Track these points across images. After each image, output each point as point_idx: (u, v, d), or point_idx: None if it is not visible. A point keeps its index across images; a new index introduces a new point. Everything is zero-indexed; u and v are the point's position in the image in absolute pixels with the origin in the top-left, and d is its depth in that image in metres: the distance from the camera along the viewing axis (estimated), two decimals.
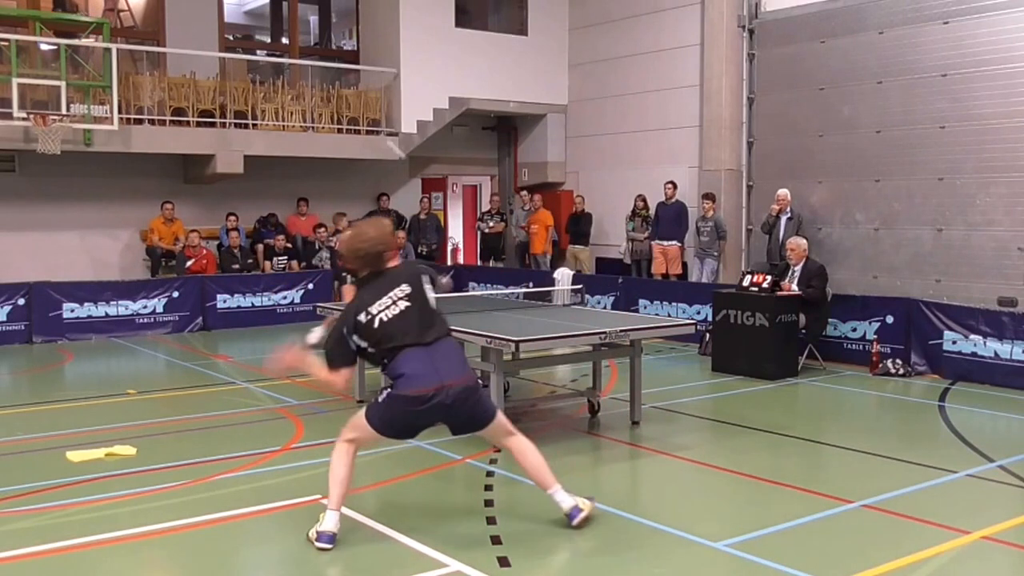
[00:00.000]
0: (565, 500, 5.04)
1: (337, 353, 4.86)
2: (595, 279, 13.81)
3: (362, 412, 4.92)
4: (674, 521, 5.19)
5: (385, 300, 4.82)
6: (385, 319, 4.78)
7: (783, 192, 12.27)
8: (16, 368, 10.64)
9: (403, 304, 4.83)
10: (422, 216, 16.29)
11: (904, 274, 11.79)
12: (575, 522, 5.01)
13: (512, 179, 17.85)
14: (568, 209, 16.32)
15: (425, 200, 16.43)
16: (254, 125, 14.57)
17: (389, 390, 4.80)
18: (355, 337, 4.82)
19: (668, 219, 14.12)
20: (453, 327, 7.00)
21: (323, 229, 15.03)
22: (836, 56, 12.56)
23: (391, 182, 16.68)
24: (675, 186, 14.16)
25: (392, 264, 5.03)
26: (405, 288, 4.88)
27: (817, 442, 7.27)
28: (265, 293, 13.64)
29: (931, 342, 9.87)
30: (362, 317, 4.80)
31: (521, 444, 5.09)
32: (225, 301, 13.27)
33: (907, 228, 11.86)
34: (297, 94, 15.24)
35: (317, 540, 4.83)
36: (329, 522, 4.85)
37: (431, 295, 4.97)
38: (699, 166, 14.38)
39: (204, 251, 14.14)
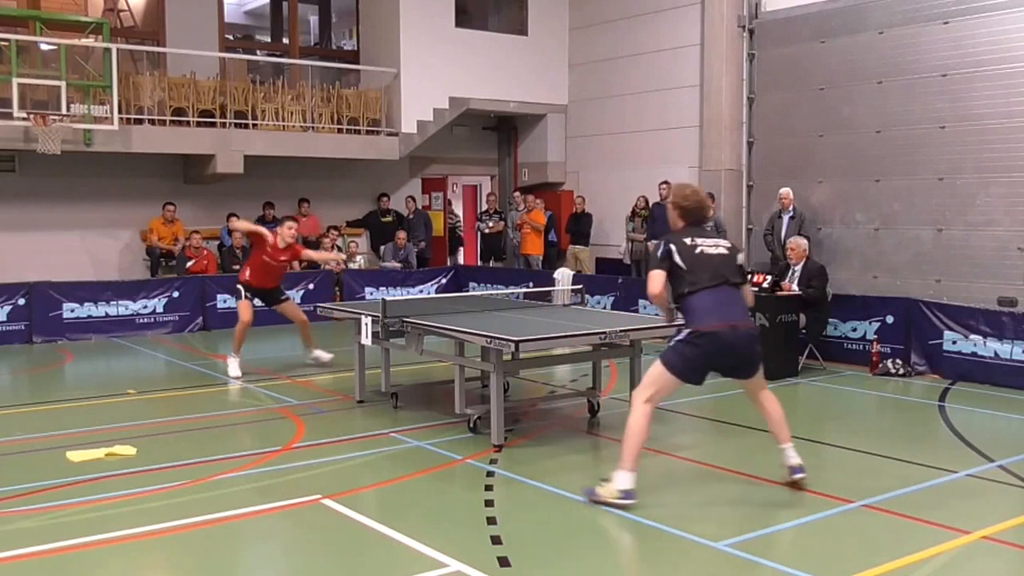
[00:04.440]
0: (793, 458, 5.71)
1: (654, 260, 5.60)
2: (595, 279, 13.81)
3: (656, 364, 5.47)
4: (674, 521, 5.18)
5: (708, 241, 5.60)
6: (705, 252, 5.50)
7: (786, 191, 12.28)
8: (16, 368, 10.64)
9: (722, 250, 5.57)
10: (410, 215, 16.29)
11: (904, 274, 11.79)
12: (795, 477, 5.68)
13: (512, 179, 17.86)
14: (568, 209, 16.33)
15: (411, 200, 16.42)
16: (254, 125, 14.57)
17: (686, 330, 5.40)
18: (673, 249, 5.49)
19: (665, 219, 14.07)
20: (452, 327, 7.06)
21: (335, 232, 15.07)
22: (836, 56, 12.56)
23: (391, 182, 16.69)
24: (669, 186, 14.15)
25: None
26: (726, 243, 5.68)
27: (817, 442, 7.26)
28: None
29: (931, 342, 9.87)
30: (687, 240, 5.54)
31: (771, 398, 5.80)
32: (225, 301, 13.24)
33: (907, 228, 11.86)
34: (297, 94, 15.24)
35: (621, 497, 5.25)
36: (627, 480, 5.28)
37: (740, 265, 5.66)
38: (699, 166, 14.38)
39: (205, 251, 14.15)
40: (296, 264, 14.58)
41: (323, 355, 10.21)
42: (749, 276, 5.85)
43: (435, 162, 17.37)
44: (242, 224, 10.77)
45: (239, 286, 9.89)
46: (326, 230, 15.23)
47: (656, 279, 5.51)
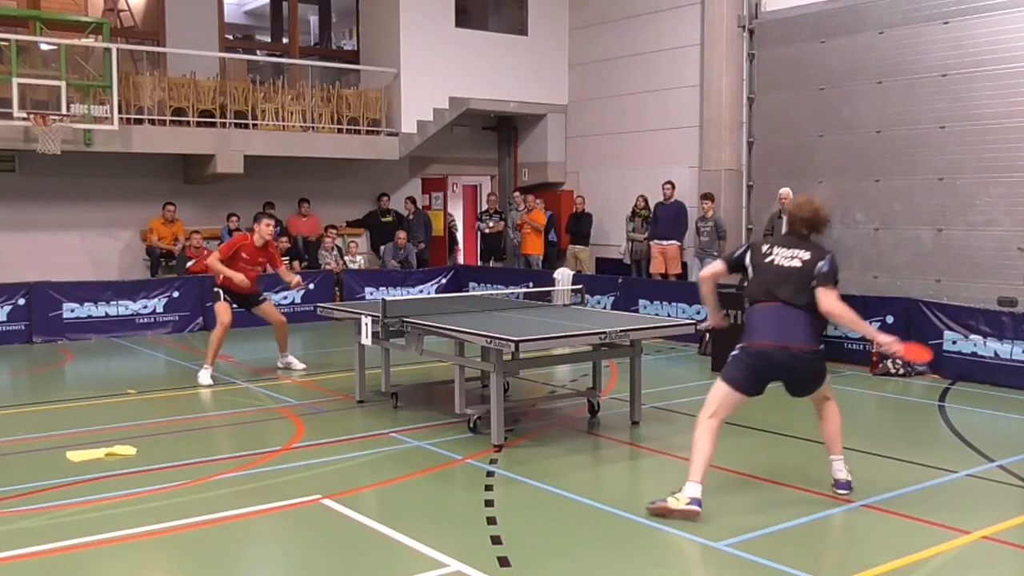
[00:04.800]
0: (841, 471, 5.65)
1: (729, 254, 5.68)
2: (595, 279, 13.81)
3: (717, 381, 5.41)
4: (674, 521, 5.18)
5: (787, 251, 5.39)
6: (777, 263, 5.35)
7: (786, 191, 12.26)
8: (16, 368, 10.63)
9: (796, 263, 5.33)
10: (409, 216, 16.30)
11: (904, 274, 11.79)
12: (841, 491, 5.62)
13: (512, 179, 17.86)
14: (568, 209, 16.33)
15: (410, 201, 16.42)
16: (254, 125, 14.57)
17: (740, 344, 5.37)
18: (748, 254, 5.48)
19: (666, 219, 14.12)
20: (452, 327, 7.06)
21: (333, 230, 15.07)
22: (836, 56, 12.56)
23: (391, 182, 16.69)
24: (673, 186, 14.16)
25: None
26: (805, 255, 5.35)
27: (817, 442, 7.23)
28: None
29: (931, 342, 9.85)
30: (766, 247, 5.44)
31: (832, 410, 5.70)
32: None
33: (907, 228, 11.86)
34: (297, 94, 15.24)
35: (689, 504, 5.14)
36: (695, 490, 5.17)
37: (819, 274, 5.30)
38: (699, 166, 14.39)
39: (205, 251, 14.14)
40: (297, 264, 14.67)
41: (296, 363, 10.13)
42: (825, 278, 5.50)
43: (435, 162, 17.37)
44: (214, 263, 9.71)
45: (217, 289, 9.63)
46: (324, 229, 15.24)
47: (712, 265, 5.63)
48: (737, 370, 5.33)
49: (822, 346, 5.44)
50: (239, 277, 9.34)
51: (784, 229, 5.62)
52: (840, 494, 5.57)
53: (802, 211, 5.45)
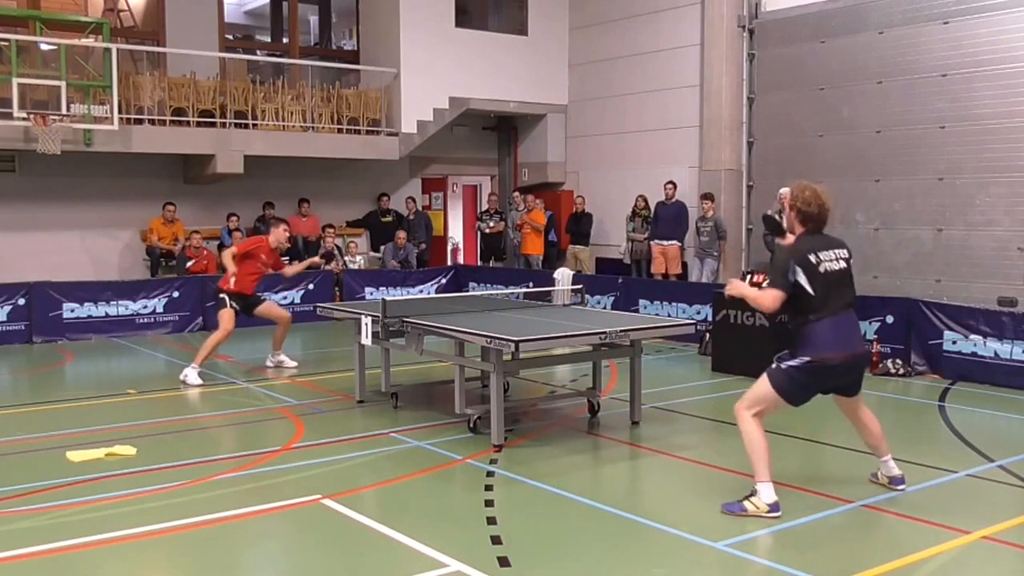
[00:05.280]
0: (895, 468, 5.71)
1: (777, 277, 5.27)
2: (595, 279, 13.81)
3: (764, 383, 5.30)
4: (674, 521, 5.19)
5: (830, 253, 5.28)
6: (828, 269, 5.23)
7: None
8: (16, 368, 10.63)
9: (842, 264, 5.32)
10: (410, 216, 16.30)
11: (904, 274, 11.79)
12: (898, 487, 5.68)
13: (512, 179, 17.86)
14: (568, 209, 16.33)
15: (411, 200, 16.44)
16: (254, 125, 14.57)
17: (803, 357, 5.20)
18: (799, 271, 5.18)
19: (667, 219, 14.12)
20: (452, 327, 7.06)
21: (331, 229, 15.09)
22: (836, 56, 12.57)
23: (391, 182, 16.70)
24: (675, 186, 14.17)
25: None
26: (845, 252, 5.39)
27: (817, 442, 7.26)
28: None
29: (931, 342, 9.87)
30: (812, 258, 5.22)
31: (870, 414, 5.69)
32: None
33: (907, 228, 11.86)
34: (297, 94, 15.24)
35: (770, 511, 5.15)
36: (770, 492, 5.19)
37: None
38: (699, 166, 14.39)
39: (205, 251, 14.15)
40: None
41: (288, 361, 10.18)
42: (748, 275, 5.59)
43: (435, 162, 17.37)
44: (227, 259, 9.93)
45: (223, 295, 9.66)
46: (322, 228, 15.24)
47: (774, 300, 5.21)
48: (796, 385, 5.26)
49: None
50: (231, 279, 9.60)
51: (801, 228, 5.36)
52: (898, 489, 5.66)
53: (811, 207, 5.32)
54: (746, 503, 5.23)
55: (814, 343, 5.19)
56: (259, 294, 10.19)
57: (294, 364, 10.20)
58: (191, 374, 9.33)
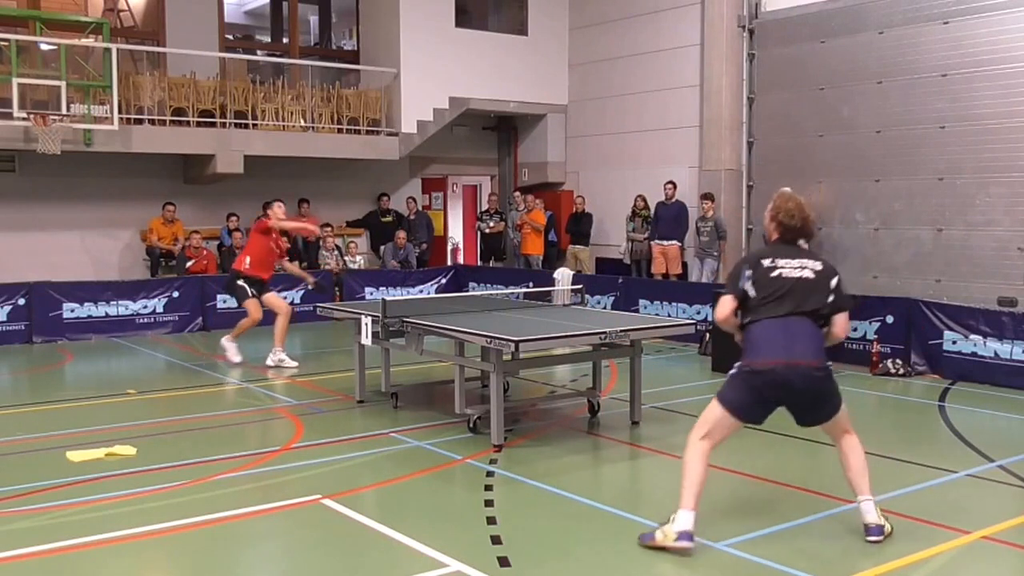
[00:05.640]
0: (870, 513, 4.93)
1: (728, 283, 5.01)
2: (595, 279, 13.81)
3: (712, 400, 4.92)
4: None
5: (794, 262, 4.90)
6: (784, 276, 4.85)
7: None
8: (16, 368, 10.63)
9: (808, 274, 4.87)
10: (411, 216, 16.31)
11: (904, 274, 11.79)
12: (870, 538, 4.87)
13: (512, 179, 17.86)
14: (568, 209, 16.33)
15: (412, 201, 16.44)
16: (254, 125, 14.57)
17: (737, 364, 4.87)
18: (749, 274, 4.88)
19: (667, 219, 14.12)
20: (452, 327, 7.06)
21: (328, 228, 15.10)
22: (836, 56, 12.57)
23: (391, 182, 16.69)
24: (675, 186, 14.16)
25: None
26: (819, 265, 4.93)
27: (817, 442, 7.25)
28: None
29: (931, 342, 9.87)
30: (767, 261, 4.90)
31: (853, 444, 5.07)
32: (225, 301, 13.22)
33: (907, 228, 11.86)
34: (297, 94, 15.24)
35: (677, 540, 4.71)
36: (687, 520, 4.73)
37: (834, 290, 4.92)
38: (699, 166, 14.39)
39: (205, 252, 14.15)
40: (296, 265, 14.67)
41: (288, 361, 10.26)
42: (845, 301, 5.10)
43: (435, 162, 17.37)
44: (289, 224, 10.69)
45: (241, 282, 10.11)
46: (320, 227, 15.22)
47: (724, 306, 4.92)
48: (738, 392, 4.83)
49: (830, 363, 4.89)
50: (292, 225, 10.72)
51: (775, 237, 5.07)
52: (870, 540, 4.89)
53: (794, 220, 4.99)
54: (658, 531, 4.81)
55: (749, 347, 4.85)
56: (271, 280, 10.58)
57: (294, 364, 10.23)
58: (231, 349, 10.28)
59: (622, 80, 15.92)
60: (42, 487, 5.87)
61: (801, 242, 5.05)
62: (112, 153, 13.38)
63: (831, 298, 4.90)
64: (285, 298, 13.50)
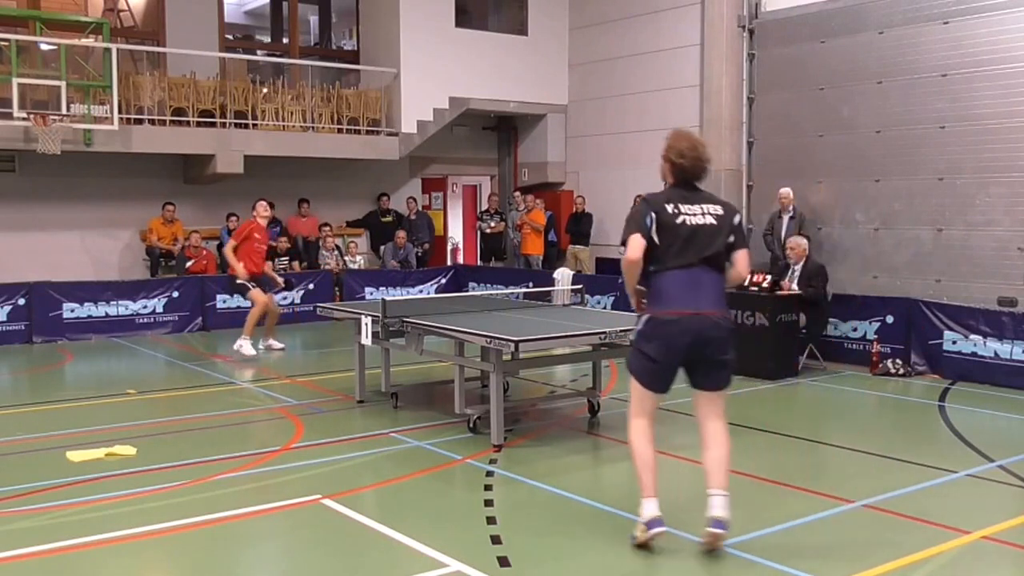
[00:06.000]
0: (718, 508, 4.68)
1: (632, 224, 4.71)
2: (595, 279, 13.81)
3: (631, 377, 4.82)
4: (674, 521, 5.17)
5: (696, 208, 4.77)
6: (688, 223, 4.70)
7: (786, 191, 12.27)
8: (16, 368, 10.63)
9: (710, 220, 4.75)
10: (412, 216, 16.31)
11: (904, 274, 11.78)
12: (711, 529, 4.66)
13: (512, 179, 17.85)
14: (568, 209, 16.33)
15: (412, 201, 16.44)
16: (254, 125, 14.57)
17: (643, 317, 4.74)
18: (654, 217, 4.68)
19: None
20: (452, 327, 7.06)
21: (328, 228, 15.11)
22: (836, 56, 12.56)
23: (391, 182, 16.69)
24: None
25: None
26: (716, 209, 4.80)
27: (817, 442, 7.27)
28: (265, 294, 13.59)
29: (931, 342, 9.87)
30: (670, 207, 4.73)
31: (724, 433, 4.91)
32: (225, 301, 13.26)
33: (907, 228, 11.86)
34: (297, 94, 15.24)
35: (649, 530, 4.68)
36: (651, 509, 4.70)
37: (734, 229, 4.84)
38: None
39: (205, 251, 14.15)
40: (296, 265, 14.69)
41: (275, 343, 11.22)
42: (749, 275, 4.87)
43: (435, 162, 17.37)
44: (229, 254, 11.15)
45: (242, 282, 10.87)
46: (319, 227, 15.24)
47: (635, 245, 4.64)
48: (639, 359, 4.77)
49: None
50: (240, 268, 10.81)
51: (671, 180, 4.90)
52: (713, 532, 4.66)
53: (684, 159, 4.83)
54: (637, 531, 4.80)
55: (655, 298, 4.70)
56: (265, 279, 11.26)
57: (281, 346, 11.23)
58: (245, 345, 10.73)
59: (622, 80, 15.91)
60: (42, 487, 5.87)
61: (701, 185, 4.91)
62: (112, 153, 13.37)
63: (732, 238, 4.81)
64: (285, 298, 13.62)
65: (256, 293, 10.89)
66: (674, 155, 4.88)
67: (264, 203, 11.19)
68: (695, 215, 4.74)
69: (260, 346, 11.13)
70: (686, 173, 4.86)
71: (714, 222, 4.76)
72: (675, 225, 4.69)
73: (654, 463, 4.82)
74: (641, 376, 4.83)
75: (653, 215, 4.70)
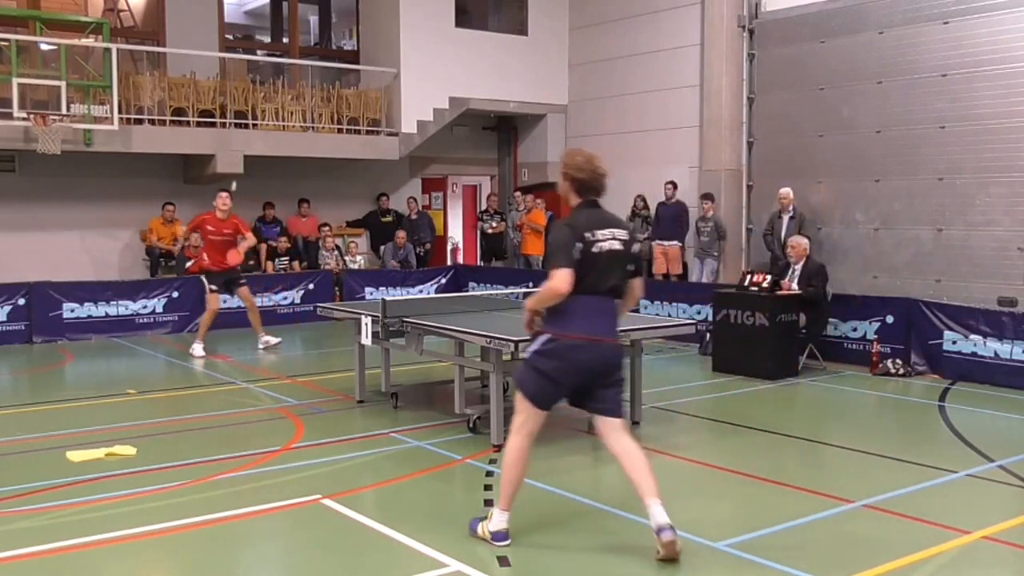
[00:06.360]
0: (659, 516, 4.60)
1: (560, 256, 4.62)
2: None
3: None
4: (674, 521, 5.16)
5: (606, 232, 4.74)
6: (601, 249, 4.69)
7: (785, 191, 12.28)
8: (16, 368, 10.63)
9: (616, 245, 4.74)
10: (412, 216, 16.31)
11: (904, 274, 11.79)
12: (662, 538, 4.56)
13: (512, 179, 17.86)
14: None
15: (412, 201, 16.44)
16: (254, 125, 14.57)
17: (543, 337, 4.71)
18: (579, 248, 4.63)
19: (668, 219, 14.12)
20: (452, 327, 7.06)
21: (327, 228, 15.11)
22: (836, 56, 12.56)
23: (391, 182, 16.69)
24: (675, 186, 14.16)
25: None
26: (623, 233, 4.81)
27: (817, 442, 7.26)
28: (265, 294, 13.62)
29: (931, 342, 9.87)
30: (588, 235, 4.68)
31: (634, 445, 4.90)
32: (225, 301, 13.19)
33: (907, 228, 11.86)
34: (297, 94, 15.24)
35: (493, 540, 4.78)
36: (500, 521, 4.80)
37: (640, 259, 4.92)
38: (699, 166, 14.38)
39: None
40: (296, 265, 14.68)
41: (272, 339, 11.42)
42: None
43: (435, 162, 17.37)
44: (181, 230, 11.79)
45: (201, 277, 11.15)
46: (318, 228, 15.25)
47: (564, 278, 4.56)
48: (536, 373, 4.74)
49: None
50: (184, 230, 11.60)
51: (576, 198, 4.86)
52: (661, 539, 4.56)
53: (583, 173, 4.83)
54: (480, 524, 4.88)
55: (558, 319, 4.66)
56: (239, 274, 11.33)
57: (278, 340, 11.45)
58: (196, 348, 10.92)
59: (622, 80, 15.91)
60: (42, 487, 5.87)
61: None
62: (112, 153, 13.37)
63: (632, 267, 4.84)
64: (285, 299, 13.68)
65: (215, 298, 11.09)
66: (573, 170, 4.87)
67: (224, 194, 11.00)
68: (606, 240, 4.74)
69: (260, 345, 11.25)
70: (588, 187, 4.85)
71: (620, 247, 4.76)
72: (593, 255, 4.68)
73: (521, 482, 4.86)
74: (536, 395, 4.81)
75: (579, 246, 4.65)
